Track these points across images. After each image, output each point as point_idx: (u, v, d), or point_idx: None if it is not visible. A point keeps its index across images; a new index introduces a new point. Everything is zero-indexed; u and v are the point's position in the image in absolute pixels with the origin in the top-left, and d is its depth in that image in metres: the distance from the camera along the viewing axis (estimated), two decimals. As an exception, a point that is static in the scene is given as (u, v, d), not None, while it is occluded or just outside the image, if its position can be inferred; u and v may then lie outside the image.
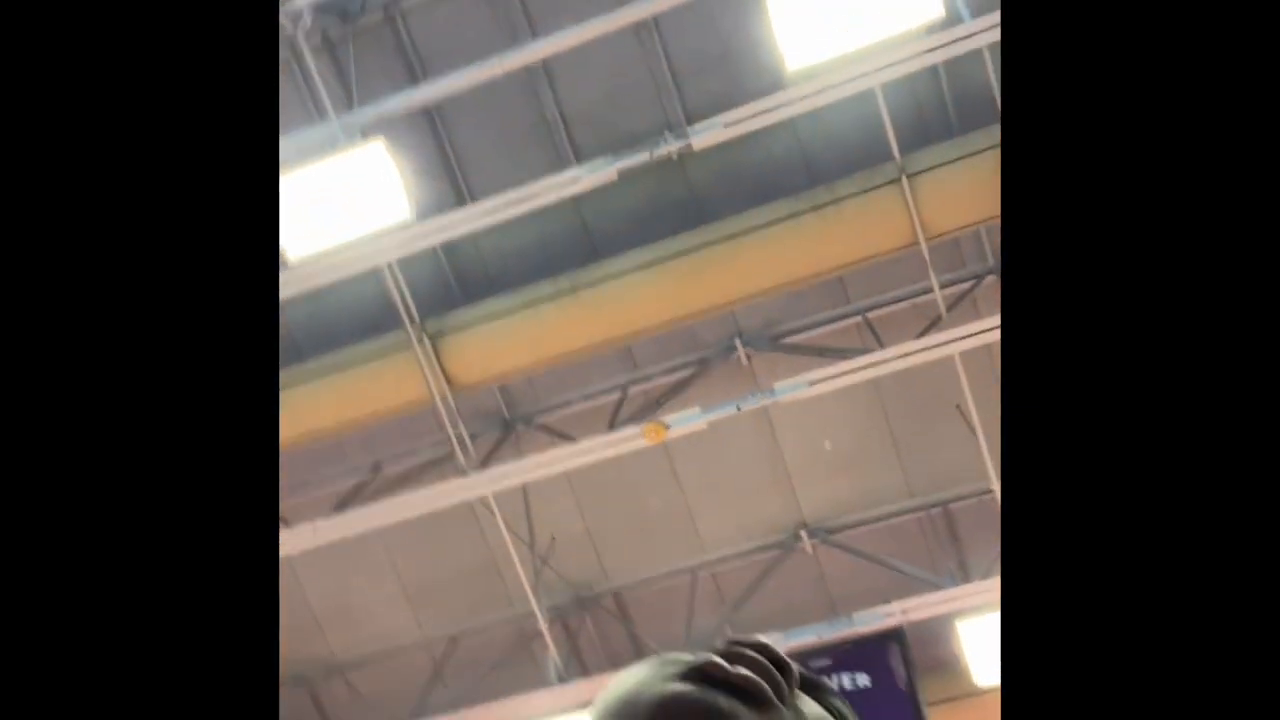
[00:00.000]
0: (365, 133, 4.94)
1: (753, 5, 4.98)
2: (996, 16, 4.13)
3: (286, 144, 4.87)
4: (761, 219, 5.27)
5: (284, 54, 5.18)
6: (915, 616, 5.41)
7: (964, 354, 5.28)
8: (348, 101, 5.22)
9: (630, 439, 5.34)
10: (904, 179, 5.06)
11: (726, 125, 4.80)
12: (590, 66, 5.68)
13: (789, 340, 6.12)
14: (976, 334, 5.02)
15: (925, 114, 5.56)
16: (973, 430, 5.51)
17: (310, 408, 5.47)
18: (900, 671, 5.56)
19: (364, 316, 6.02)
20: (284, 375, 5.29)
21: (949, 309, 5.46)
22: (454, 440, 5.69)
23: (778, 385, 5.24)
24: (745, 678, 0.55)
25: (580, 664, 6.69)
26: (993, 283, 5.88)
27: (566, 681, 5.88)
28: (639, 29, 5.52)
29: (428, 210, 5.24)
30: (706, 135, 4.86)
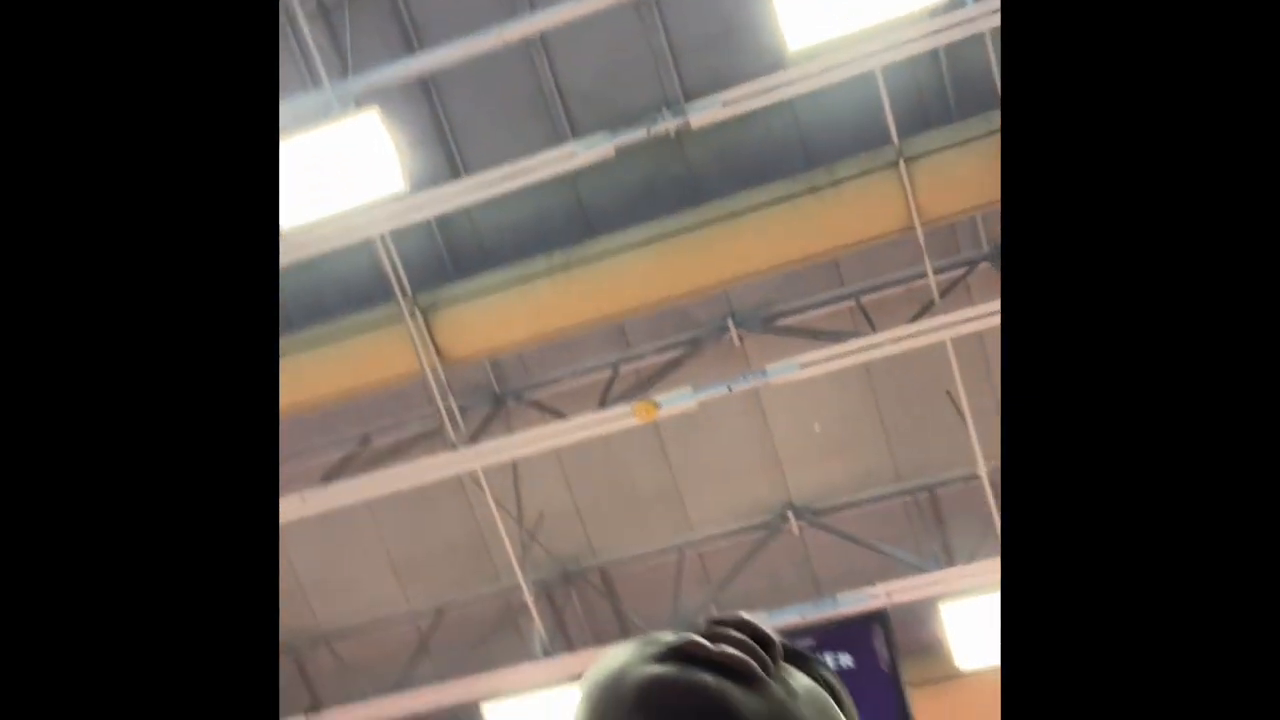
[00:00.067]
0: (360, 101, 4.89)
1: (755, -17, 4.94)
2: (998, 1, 4.10)
3: (280, 111, 4.81)
4: (758, 199, 5.25)
5: (279, 20, 5.10)
6: (899, 599, 5.46)
7: (956, 340, 5.29)
8: (342, 70, 5.16)
9: (621, 417, 5.34)
10: (901, 163, 5.04)
11: (725, 104, 4.77)
12: (589, 41, 5.63)
13: (782, 322, 6.12)
14: (969, 320, 5.03)
15: (924, 98, 5.53)
16: (962, 416, 5.54)
17: (300, 378, 5.45)
18: (883, 653, 5.61)
19: (355, 288, 5.99)
20: (274, 345, 5.25)
21: (942, 295, 5.46)
22: (444, 414, 5.68)
23: (769, 367, 5.24)
24: (729, 655, 0.55)
25: (565, 639, 6.73)
26: (987, 269, 5.88)
27: (551, 656, 5.92)
28: (639, 4, 5.47)
29: (422, 182, 5.20)
30: (705, 113, 4.82)
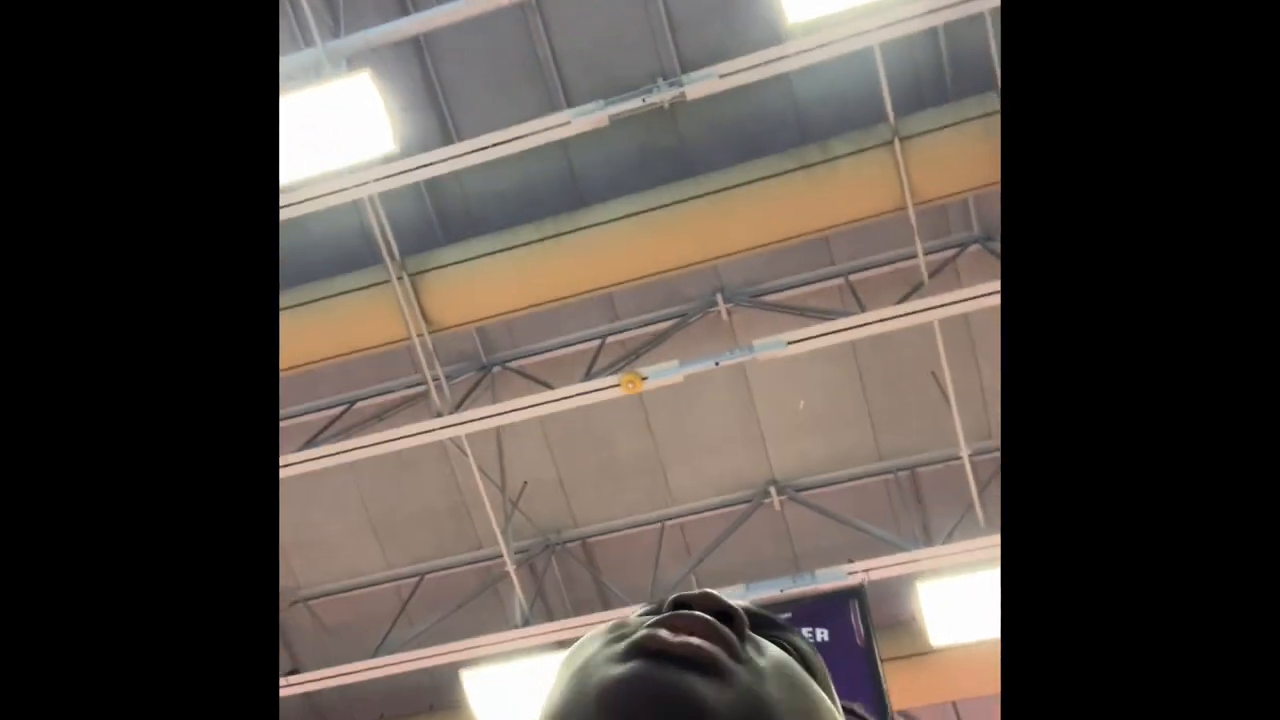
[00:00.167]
0: (351, 61, 4.81)
1: (755, -46, 4.88)
2: (1002, -18, 4.07)
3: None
4: (751, 174, 5.23)
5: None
6: (877, 576, 5.52)
7: (943, 322, 5.31)
8: (335, 28, 5.07)
9: (607, 388, 5.34)
10: (896, 142, 5.03)
11: (722, 76, 4.73)
12: (586, 7, 5.56)
13: (770, 298, 6.12)
14: (957, 302, 5.04)
15: (922, 77, 5.51)
16: (946, 398, 5.57)
17: (285, 340, 5.41)
18: (859, 628, 5.68)
19: (342, 250, 5.93)
20: (259, 306, 5.21)
21: (931, 276, 5.47)
22: (429, 380, 5.67)
23: (756, 343, 5.25)
24: (692, 647, 0.54)
25: (545, 607, 6.78)
26: (976, 251, 5.90)
27: (531, 624, 5.96)
28: (638, -29, 5.40)
29: (412, 145, 5.14)
30: (701, 85, 4.78)
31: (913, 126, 5.09)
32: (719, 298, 6.16)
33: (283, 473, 5.58)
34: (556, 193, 5.83)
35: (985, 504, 5.69)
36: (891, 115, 5.01)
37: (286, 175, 4.83)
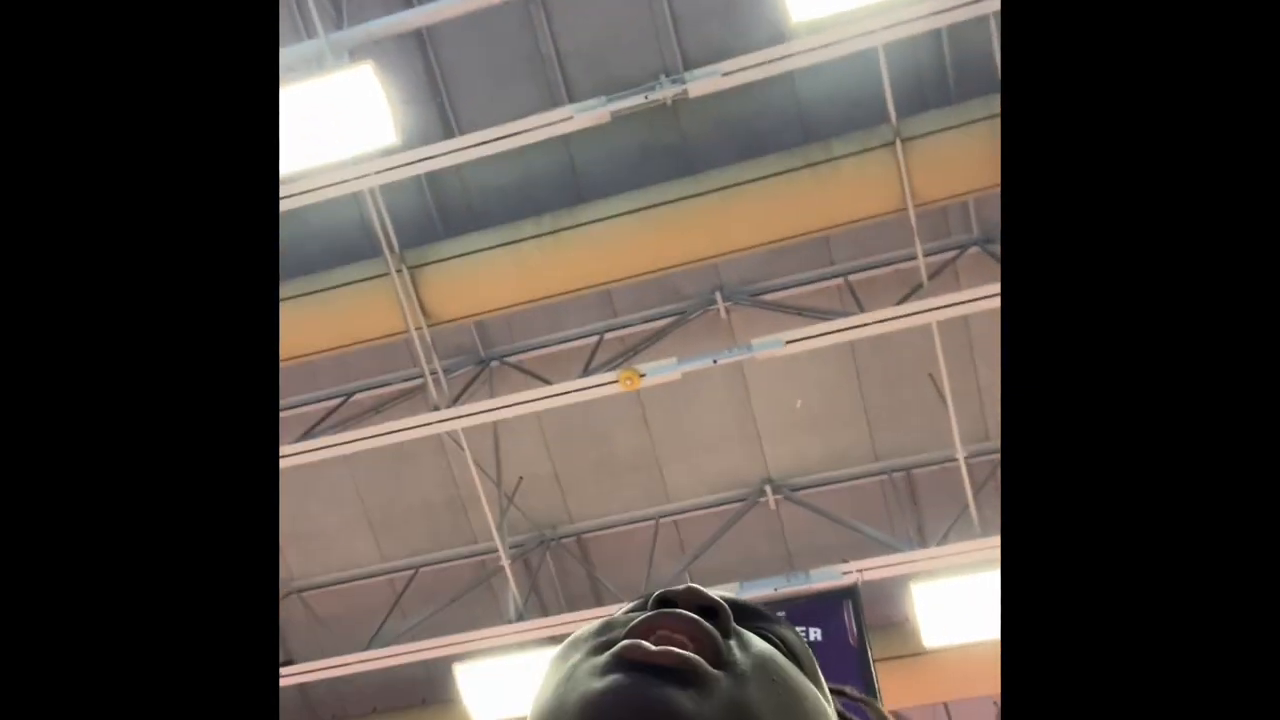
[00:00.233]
0: (354, 53, 4.80)
1: (760, -48, 4.88)
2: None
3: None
4: (752, 173, 5.23)
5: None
6: (871, 576, 5.53)
7: (941, 323, 5.32)
8: (337, 20, 5.06)
9: (604, 384, 5.34)
10: (898, 143, 5.03)
11: (725, 74, 4.72)
12: (590, 3, 5.55)
13: (769, 297, 6.12)
14: (956, 304, 5.04)
15: (924, 78, 5.51)
16: (943, 399, 5.58)
17: (284, 331, 5.40)
18: (852, 628, 5.69)
19: (341, 242, 5.92)
20: (258, 296, 5.20)
21: (931, 277, 5.48)
22: (427, 374, 5.66)
23: (755, 341, 5.25)
24: (673, 657, 0.53)
25: (539, 602, 6.78)
26: (976, 254, 5.90)
27: (525, 619, 5.96)
28: (642, -32, 5.40)
29: (413, 137, 5.13)
30: (704, 82, 4.78)
31: (915, 128, 5.09)
32: (718, 296, 6.16)
33: (280, 464, 5.57)
34: (557, 188, 5.83)
35: (980, 506, 5.70)
36: (894, 116, 5.01)
37: (287, 166, 4.82)
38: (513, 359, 6.42)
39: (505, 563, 6.02)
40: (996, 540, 4.89)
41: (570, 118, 4.88)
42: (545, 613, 6.51)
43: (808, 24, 4.45)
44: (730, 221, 5.26)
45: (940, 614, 5.61)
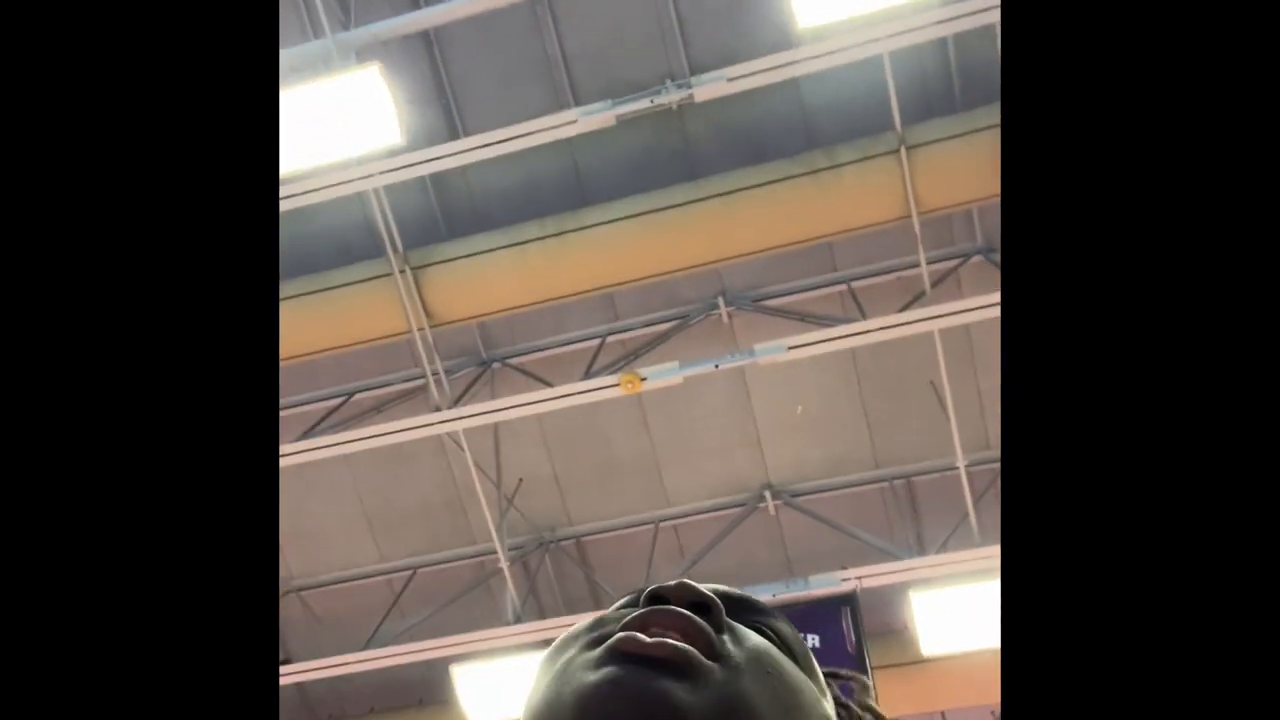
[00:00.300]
0: (361, 53, 4.81)
1: (767, -42, 4.88)
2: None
3: (280, 59, 4.73)
4: (756, 179, 5.23)
5: (282, -37, 5.01)
6: (870, 584, 5.52)
7: (943, 332, 5.32)
8: (345, 21, 5.08)
9: (606, 387, 5.35)
10: (903, 150, 5.03)
11: (730, 79, 4.73)
12: (596, 7, 5.56)
13: (771, 303, 6.12)
14: (958, 313, 5.04)
15: (929, 86, 5.51)
16: (944, 408, 5.58)
17: (285, 330, 5.41)
18: (850, 635, 5.68)
19: (346, 242, 5.93)
20: (261, 295, 5.21)
21: (933, 285, 5.48)
22: (428, 374, 5.67)
23: (757, 347, 5.25)
24: (667, 648, 0.54)
25: (537, 605, 6.77)
26: (979, 262, 5.90)
27: (523, 621, 5.96)
28: (649, -28, 5.41)
29: (418, 138, 5.14)
30: (709, 87, 4.78)
31: (919, 136, 5.09)
32: (720, 300, 6.16)
33: (280, 463, 5.58)
34: (561, 191, 5.84)
35: (980, 515, 5.69)
36: (899, 124, 5.01)
37: (293, 165, 4.83)
38: (514, 361, 6.42)
39: (504, 564, 6.02)
40: (996, 549, 4.88)
41: (575, 121, 4.89)
42: (543, 615, 6.51)
43: (814, 30, 4.46)
44: (734, 226, 5.27)
45: (939, 622, 5.60)
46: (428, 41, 5.70)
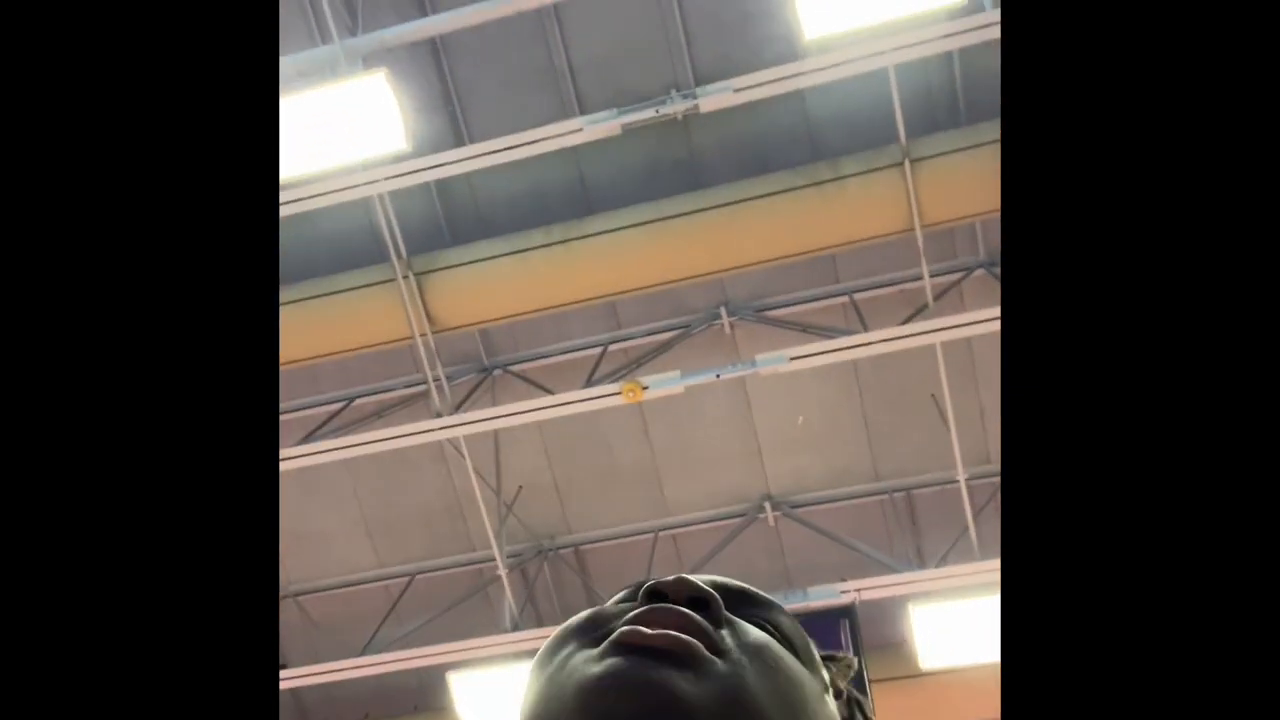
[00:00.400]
0: (368, 60, 4.83)
1: (774, -30, 4.90)
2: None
3: (286, 65, 4.75)
4: (760, 190, 5.24)
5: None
6: (869, 596, 5.51)
7: (945, 344, 5.31)
8: (352, 27, 5.10)
9: (607, 396, 5.34)
10: (907, 163, 5.04)
11: (736, 90, 4.74)
12: (603, 17, 5.58)
13: (774, 313, 6.13)
14: (960, 326, 5.04)
15: (935, 100, 5.52)
16: (945, 421, 5.57)
17: (287, 334, 5.42)
18: (849, 647, 5.67)
19: (349, 247, 5.94)
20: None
21: (936, 298, 5.48)
22: (430, 380, 5.67)
23: (759, 357, 5.25)
24: (669, 639, 0.54)
25: (535, 613, 6.76)
26: (982, 276, 5.90)
27: (520, 629, 5.94)
28: (656, -17, 5.43)
29: (424, 144, 5.15)
30: (715, 98, 4.80)
31: (924, 149, 5.10)
32: (723, 310, 6.17)
33: (280, 467, 5.58)
34: (566, 199, 5.85)
35: (980, 528, 5.68)
36: (903, 136, 5.02)
37: (298, 170, 4.84)
38: (516, 368, 6.42)
39: (502, 572, 6.01)
40: (996, 564, 4.87)
41: (580, 129, 4.90)
42: (541, 623, 6.49)
43: (819, 42, 4.47)
44: (737, 237, 5.27)
45: (938, 636, 5.58)
46: (434, 48, 5.72)
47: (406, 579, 6.96)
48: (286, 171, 4.81)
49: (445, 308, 5.60)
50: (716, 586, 0.62)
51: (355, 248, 5.91)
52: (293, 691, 6.94)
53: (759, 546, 6.62)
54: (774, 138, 5.64)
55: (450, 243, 5.88)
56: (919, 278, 5.42)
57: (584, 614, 0.61)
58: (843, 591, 5.52)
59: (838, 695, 0.67)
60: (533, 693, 0.58)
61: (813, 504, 6.57)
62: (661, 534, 6.75)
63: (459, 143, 5.66)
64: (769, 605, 0.64)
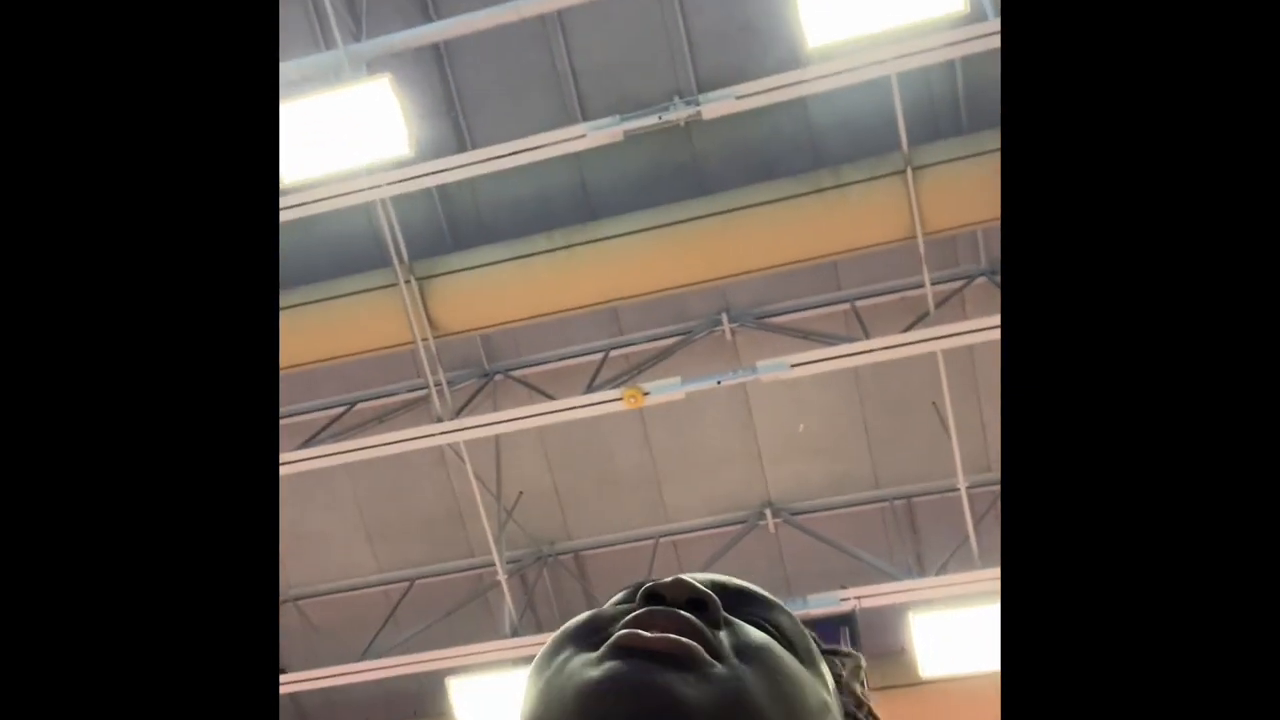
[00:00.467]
0: (371, 65, 4.84)
1: (777, -22, 4.91)
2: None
3: (290, 69, 4.77)
4: (762, 196, 5.25)
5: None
6: (869, 604, 5.50)
7: (946, 352, 5.31)
8: (356, 32, 5.11)
9: (608, 401, 5.34)
10: (909, 171, 5.04)
11: (739, 97, 4.75)
12: (607, 23, 5.59)
13: (775, 320, 6.13)
14: (962, 334, 5.04)
15: (937, 108, 5.53)
16: (946, 429, 5.57)
17: (289, 338, 5.42)
18: (848, 656, 5.65)
19: (351, 252, 5.95)
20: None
21: (937, 306, 5.48)
22: (431, 385, 5.67)
23: (760, 364, 5.25)
24: (669, 642, 0.54)
25: (535, 619, 6.75)
26: (984, 284, 5.90)
27: (520, 635, 5.94)
28: (660, -10, 5.44)
29: (427, 150, 5.16)
30: (717, 105, 4.81)
31: (926, 157, 5.11)
32: (724, 317, 6.17)
33: (280, 471, 5.57)
34: (568, 205, 5.86)
35: (981, 537, 5.67)
36: (905, 144, 5.03)
37: (301, 174, 4.85)
38: (517, 373, 6.42)
39: (502, 577, 6.00)
40: (996, 572, 4.86)
41: (583, 135, 4.91)
42: (540, 629, 6.48)
43: (822, 50, 4.48)
44: (739, 243, 5.28)
45: (938, 644, 5.57)
46: (438, 54, 5.74)
47: (406, 584, 6.95)
48: (290, 176, 4.82)
49: (447, 313, 5.61)
50: (716, 586, 0.62)
51: (357, 252, 5.92)
52: (292, 696, 6.93)
53: (759, 553, 6.61)
54: (776, 145, 5.65)
55: (452, 248, 5.89)
56: (920, 285, 5.42)
57: (582, 617, 0.61)
58: (843, 599, 5.51)
59: (843, 691, 0.67)
60: (532, 696, 0.58)
61: (813, 511, 6.56)
62: (662, 540, 6.74)
63: (462, 148, 5.67)
64: (769, 604, 0.64)
